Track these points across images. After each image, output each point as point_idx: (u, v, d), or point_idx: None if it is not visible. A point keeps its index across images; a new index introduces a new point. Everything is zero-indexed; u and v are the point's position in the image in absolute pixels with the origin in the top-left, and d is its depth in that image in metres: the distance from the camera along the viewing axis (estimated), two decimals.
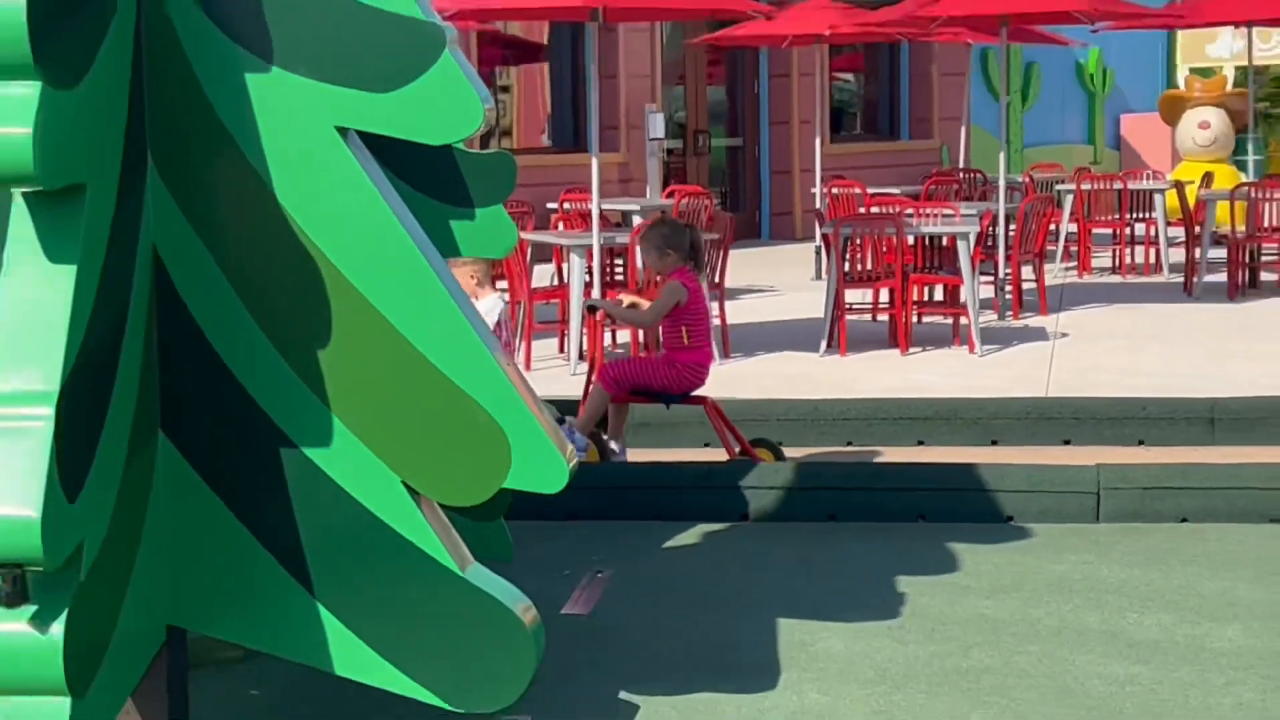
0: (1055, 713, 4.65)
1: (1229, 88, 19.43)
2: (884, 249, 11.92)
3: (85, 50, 3.81)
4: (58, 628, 3.61)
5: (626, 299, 9.14)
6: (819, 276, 15.09)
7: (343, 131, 4.14)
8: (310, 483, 4.18)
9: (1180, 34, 21.66)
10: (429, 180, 5.20)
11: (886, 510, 7.22)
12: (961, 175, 16.95)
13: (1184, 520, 6.99)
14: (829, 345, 11.87)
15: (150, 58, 4.17)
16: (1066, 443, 8.59)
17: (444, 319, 4.13)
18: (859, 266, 12.08)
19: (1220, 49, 21.05)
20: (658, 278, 9.04)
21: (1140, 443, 8.51)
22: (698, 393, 8.11)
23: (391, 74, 4.05)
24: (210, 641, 4.78)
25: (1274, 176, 16.24)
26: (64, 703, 3.65)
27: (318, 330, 4.15)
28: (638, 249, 9.85)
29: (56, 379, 3.62)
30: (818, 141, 17.14)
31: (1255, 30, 16.05)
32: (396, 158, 4.69)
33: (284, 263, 4.16)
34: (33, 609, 3.63)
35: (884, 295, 12.46)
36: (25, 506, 3.48)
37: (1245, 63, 17.68)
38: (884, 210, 12.73)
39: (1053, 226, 13.87)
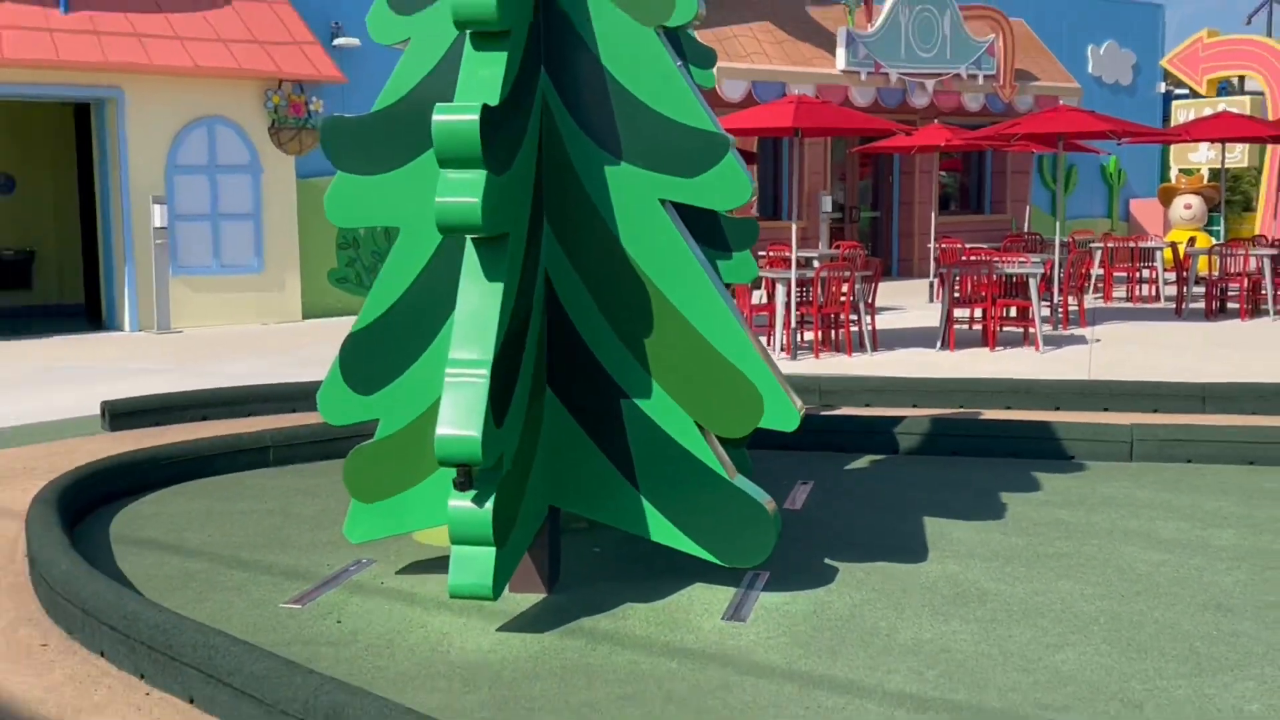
0: (1114, 583, 5.40)
1: (1205, 182, 22.54)
2: (980, 282, 13.51)
3: (509, 151, 4.76)
4: (489, 504, 4.57)
5: None
6: (931, 300, 17.60)
7: (662, 201, 5.03)
8: (637, 420, 5.10)
9: (1172, 147, 25.13)
10: (708, 234, 5.86)
11: (990, 449, 8.05)
12: (1026, 237, 19.44)
13: (1189, 461, 7.80)
14: (942, 343, 13.46)
15: (545, 153, 5.11)
16: (1105, 409, 9.25)
17: (721, 318, 4.99)
18: (963, 293, 13.85)
19: (1199, 156, 24.73)
20: None
21: (1155, 410, 9.13)
22: None
23: (696, 165, 4.92)
24: (570, 516, 5.60)
25: (1234, 240, 19.02)
26: (490, 551, 4.59)
27: (642, 323, 5.05)
28: None
29: (490, 352, 4.58)
30: (933, 214, 19.56)
31: (1223, 146, 19.13)
32: (690, 219, 5.30)
33: (622, 281, 5.06)
34: (474, 492, 4.57)
35: (977, 312, 14.17)
36: (472, 429, 4.46)
37: (1216, 165, 21.36)
38: (978, 258, 14.22)
39: (1087, 271, 15.92)
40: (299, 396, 9.55)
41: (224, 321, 15.71)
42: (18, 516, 6.59)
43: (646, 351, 5.08)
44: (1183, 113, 24.77)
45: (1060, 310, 15.08)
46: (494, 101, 4.60)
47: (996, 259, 13.86)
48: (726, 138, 4.94)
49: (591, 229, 5.10)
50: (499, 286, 4.69)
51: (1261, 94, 24.20)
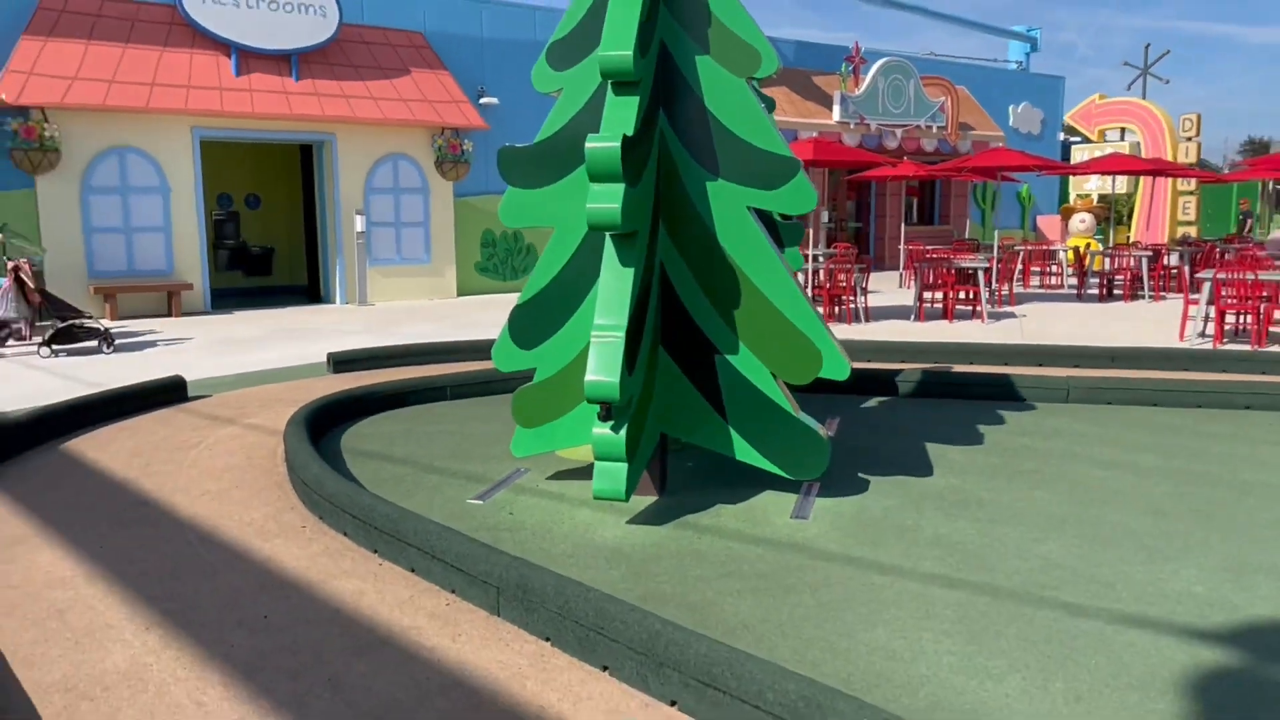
0: (1074, 493, 5.03)
1: (1094, 202, 22.08)
2: (941, 273, 12.87)
3: (639, 169, 4.48)
4: (623, 431, 4.37)
5: None
6: (900, 286, 17.00)
7: (749, 208, 4.74)
8: (726, 369, 4.83)
9: (1071, 177, 24.31)
10: (770, 234, 5.49)
11: (965, 393, 7.63)
12: (969, 243, 18.89)
13: (1109, 403, 7.33)
14: (915, 317, 12.82)
15: (661, 171, 4.81)
16: (1040, 365, 8.82)
17: (791, 294, 4.70)
18: (927, 281, 13.15)
19: (1091, 185, 24.20)
20: None
21: (1077, 366, 8.67)
22: None
23: (775, 181, 4.63)
24: (672, 440, 5.38)
25: (1120, 245, 18.31)
26: (623, 465, 4.37)
27: (732, 297, 4.77)
28: None
29: (625, 319, 4.34)
30: (901, 226, 19.03)
31: (1108, 177, 19.33)
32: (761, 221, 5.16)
33: (717, 267, 4.78)
34: (612, 423, 4.38)
35: (938, 295, 13.28)
36: (612, 376, 4.24)
37: (1103, 191, 22.25)
38: (939, 256, 13.48)
39: (1014, 266, 15.16)
40: (462, 350, 9.42)
41: (403, 298, 15.56)
42: (276, 433, 6.45)
43: (734, 319, 4.79)
44: (1079, 154, 23.94)
45: (996, 294, 14.52)
46: (629, 133, 4.32)
47: (953, 257, 13.34)
48: (798, 160, 4.62)
49: (695, 228, 4.80)
50: (630, 270, 4.44)
51: (1138, 141, 23.30)
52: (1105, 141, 24.32)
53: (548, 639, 3.36)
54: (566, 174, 4.89)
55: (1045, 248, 18.70)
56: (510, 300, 15.38)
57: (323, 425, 6.36)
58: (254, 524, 4.64)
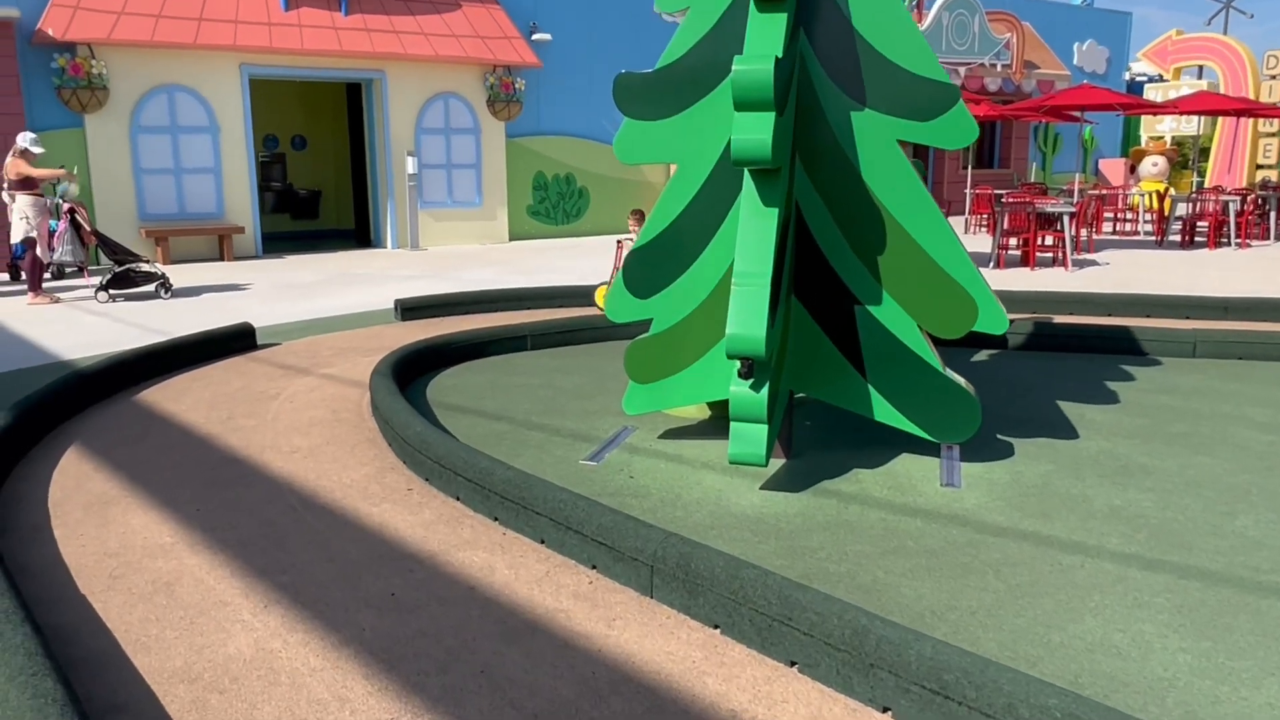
0: (1243, 459, 4.52)
1: (1168, 146, 20.32)
2: (1022, 217, 12.10)
3: (783, 97, 3.98)
4: (764, 390, 3.94)
5: None
6: (966, 231, 16.01)
7: (899, 141, 4.23)
8: (867, 322, 4.36)
9: (1143, 118, 22.90)
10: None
11: (1081, 346, 7.07)
12: (1038, 186, 17.66)
13: (1239, 358, 6.79)
14: (994, 263, 12.09)
15: (799, 100, 4.32)
16: (1148, 315, 8.19)
17: (944, 239, 4.20)
18: (1008, 225, 12.36)
19: (1164, 126, 22.51)
20: None
21: (1187, 318, 8.06)
22: None
23: (930, 111, 4.11)
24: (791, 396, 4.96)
25: (1204, 189, 16.82)
26: (764, 427, 3.94)
27: (876, 242, 4.28)
28: None
29: (769, 266, 3.91)
30: (968, 170, 17.97)
31: (1180, 119, 18.23)
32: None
33: (860, 207, 4.28)
34: (752, 380, 3.94)
35: (1013, 240, 12.39)
36: (757, 330, 3.83)
37: (1175, 134, 20.98)
38: (1019, 200, 12.59)
39: (1097, 211, 14.30)
40: (531, 298, 9.05)
41: (455, 242, 15.15)
42: (357, 384, 6.11)
43: (878, 265, 4.32)
44: (1152, 93, 22.80)
45: (1076, 240, 13.80)
46: (779, 54, 3.82)
47: (1034, 201, 12.65)
48: (956, 87, 4.09)
49: (835, 163, 4.30)
50: (774, 211, 3.98)
51: (1217, 80, 22.16)
52: (1180, 81, 23.15)
53: (716, 626, 2.98)
54: (692, 104, 4.41)
55: (1123, 192, 17.87)
56: (563, 246, 14.93)
57: (404, 377, 6.00)
58: (355, 485, 4.29)
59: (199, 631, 2.98)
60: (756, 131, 3.76)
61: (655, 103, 4.46)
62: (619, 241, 8.95)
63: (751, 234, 3.96)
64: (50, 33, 11.59)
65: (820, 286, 4.43)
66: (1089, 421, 5.24)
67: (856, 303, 4.38)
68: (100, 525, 3.84)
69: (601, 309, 8.65)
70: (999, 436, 4.94)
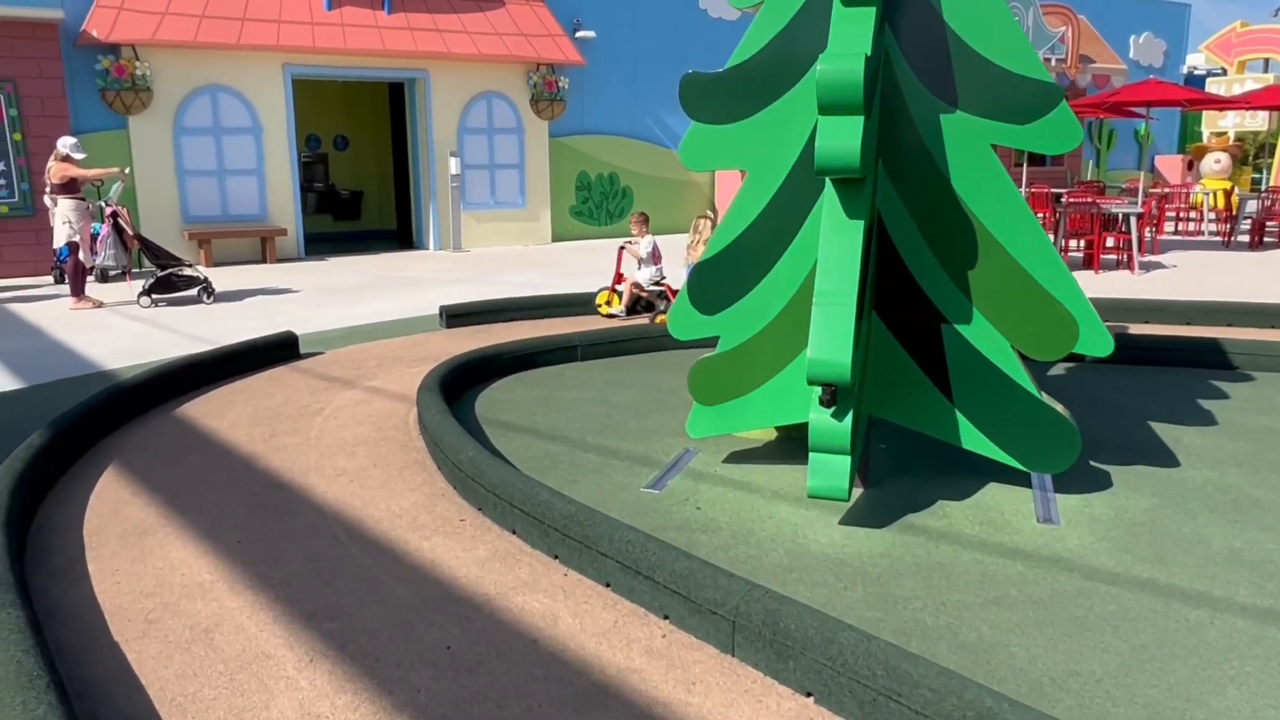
0: None
1: (1230, 142, 19.60)
2: (1085, 218, 11.55)
3: (869, 99, 3.63)
4: (847, 418, 3.62)
5: None
6: None
7: (993, 146, 3.88)
8: (955, 342, 4.02)
9: (1204, 113, 21.93)
10: None
11: (1162, 359, 6.65)
12: (1094, 184, 16.94)
13: None
14: None
15: (885, 103, 3.98)
16: (1229, 324, 7.69)
17: (1042, 251, 3.86)
18: (1069, 226, 11.86)
19: (1227, 122, 21.45)
20: None
21: (1273, 327, 7.50)
22: None
23: (1029, 113, 3.77)
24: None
25: (1276, 188, 15.88)
26: (846, 458, 3.64)
27: (967, 255, 3.94)
28: None
29: (854, 283, 3.59)
30: (1023, 169, 17.31)
31: (1245, 114, 17.57)
32: None
33: (949, 217, 3.94)
34: (833, 409, 3.63)
35: (1076, 242, 11.81)
36: (842, 355, 3.52)
37: (1239, 129, 20.09)
38: (1080, 199, 12.06)
39: (1161, 211, 13.67)
40: (576, 304, 8.78)
41: (497, 243, 14.93)
42: (403, 398, 5.86)
43: (968, 280, 3.97)
44: (1215, 87, 21.99)
45: (1141, 241, 13.20)
46: (868, 52, 3.49)
47: (1097, 201, 12.13)
48: (1059, 87, 3.74)
49: (922, 170, 3.96)
50: (859, 224, 3.65)
51: None
52: (1245, 74, 22.33)
53: (809, 695, 2.66)
54: (765, 105, 4.09)
55: (1186, 190, 17.19)
56: (607, 247, 14.65)
57: (451, 390, 5.74)
58: (405, 515, 4.03)
59: (240, 690, 2.72)
60: (844, 138, 3.44)
61: (726, 105, 4.14)
62: (621, 246, 8.64)
63: (834, 250, 3.63)
64: (94, 34, 11.52)
65: (904, 302, 4.09)
66: (1187, 446, 4.84)
67: (943, 320, 4.04)
68: (137, 559, 3.61)
69: (604, 317, 8.40)
70: (1093, 464, 4.55)
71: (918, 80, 3.92)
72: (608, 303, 8.60)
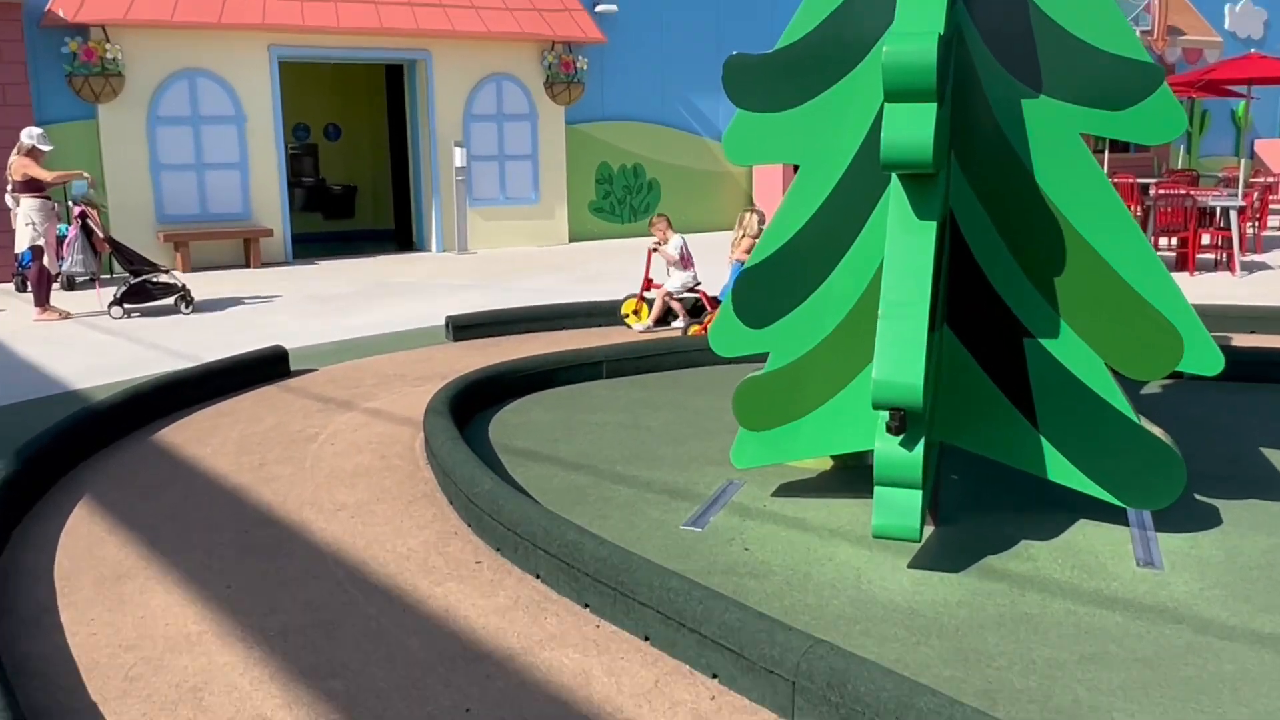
0: None
1: None
2: (1180, 212, 11.40)
3: (942, 84, 3.61)
4: (918, 448, 3.60)
5: None
6: None
7: (1083, 135, 3.86)
8: (1041, 359, 3.98)
9: None
10: None
11: (1267, 375, 6.50)
12: (1186, 173, 16.65)
13: None
14: None
15: (957, 86, 3.96)
16: None
17: (1142, 256, 3.82)
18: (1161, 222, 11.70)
19: None
20: None
21: None
22: None
23: (1125, 97, 3.74)
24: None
25: None
26: (916, 494, 3.61)
27: (1054, 260, 3.90)
28: None
29: (926, 295, 3.57)
30: (1104, 156, 16.78)
31: None
32: None
33: (1033, 217, 3.91)
34: (902, 437, 3.60)
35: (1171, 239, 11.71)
36: (912, 376, 3.49)
37: None
38: (1173, 191, 11.91)
39: (1266, 204, 13.49)
40: (596, 313, 8.83)
41: (508, 244, 14.99)
42: (407, 421, 5.88)
43: (1054, 288, 3.94)
44: None
45: (1242, 238, 13.05)
46: (941, 30, 3.47)
47: (1192, 193, 12.00)
48: (1160, 69, 3.70)
49: (1002, 163, 3.94)
50: (931, 226, 3.63)
51: None
52: None
53: None
54: (819, 92, 4.09)
55: None
56: (631, 247, 14.66)
57: (461, 412, 5.75)
58: (414, 556, 4.03)
59: None
60: (914, 128, 3.42)
61: (776, 90, 4.14)
62: (650, 250, 8.63)
63: (903, 254, 3.61)
64: (60, 14, 11.70)
65: (980, 314, 4.06)
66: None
67: (1026, 335, 4.01)
68: (114, 607, 3.62)
69: (630, 328, 8.40)
70: (1198, 497, 4.48)
71: (996, 61, 3.91)
72: (635, 313, 8.60)
